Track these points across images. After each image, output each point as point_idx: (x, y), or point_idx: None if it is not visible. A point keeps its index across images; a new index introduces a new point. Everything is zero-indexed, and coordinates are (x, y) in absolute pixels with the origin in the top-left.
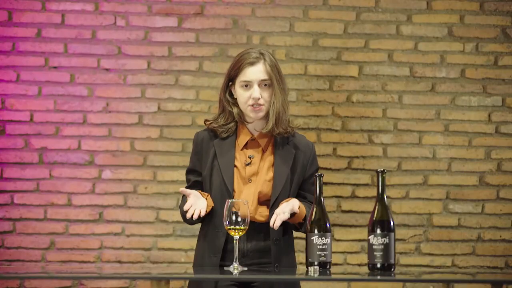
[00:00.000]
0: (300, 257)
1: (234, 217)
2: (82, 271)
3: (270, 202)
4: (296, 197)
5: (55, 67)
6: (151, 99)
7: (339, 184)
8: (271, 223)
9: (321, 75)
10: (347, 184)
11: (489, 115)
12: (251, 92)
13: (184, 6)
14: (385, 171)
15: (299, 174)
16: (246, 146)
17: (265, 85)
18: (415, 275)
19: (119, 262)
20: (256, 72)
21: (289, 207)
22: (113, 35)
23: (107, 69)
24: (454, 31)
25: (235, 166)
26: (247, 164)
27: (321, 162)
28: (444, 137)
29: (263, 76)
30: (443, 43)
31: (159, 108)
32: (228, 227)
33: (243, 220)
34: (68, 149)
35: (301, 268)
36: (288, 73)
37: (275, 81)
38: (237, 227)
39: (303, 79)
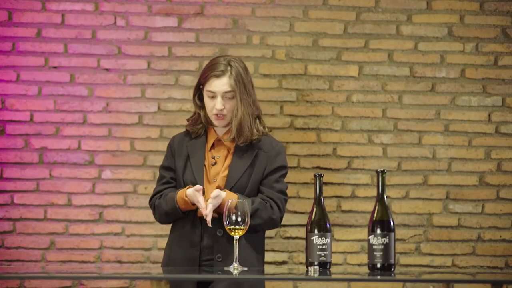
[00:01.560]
0: (300, 257)
1: (234, 217)
2: (82, 271)
3: None
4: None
5: (55, 67)
6: (151, 99)
7: (339, 184)
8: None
9: (321, 75)
10: (347, 184)
11: (489, 115)
12: (215, 102)
13: (184, 6)
14: (385, 171)
15: (259, 171)
16: (213, 146)
17: (229, 96)
18: (415, 275)
19: (119, 262)
20: (219, 85)
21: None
22: (113, 35)
23: (107, 69)
24: (454, 31)
25: (204, 166)
26: (213, 164)
27: (321, 162)
28: (444, 137)
29: (226, 88)
30: (443, 43)
31: (159, 108)
32: (228, 227)
33: (243, 220)
34: (68, 149)
35: (300, 268)
36: (288, 73)
37: (238, 93)
38: (237, 227)
39: (303, 79)
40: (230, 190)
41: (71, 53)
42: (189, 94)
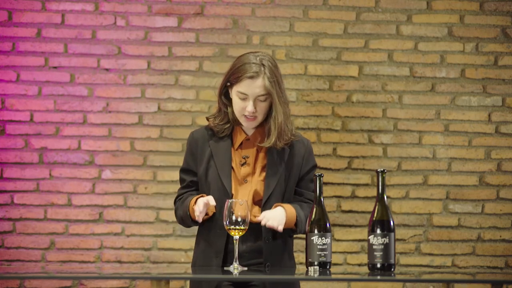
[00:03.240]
0: (300, 257)
1: (234, 217)
2: (82, 271)
3: (262, 202)
4: (294, 195)
5: (55, 67)
6: (151, 99)
7: (339, 184)
8: (263, 222)
9: (321, 75)
10: (347, 184)
11: (489, 115)
12: (247, 104)
13: (184, 6)
14: (385, 171)
15: (295, 172)
16: (241, 146)
17: (262, 99)
18: (415, 275)
19: (119, 262)
20: (254, 87)
21: (281, 222)
22: (113, 35)
23: (107, 69)
24: (454, 31)
25: (231, 167)
26: (242, 165)
27: (321, 162)
28: (444, 137)
29: (261, 91)
30: (443, 43)
31: (159, 108)
32: (228, 227)
33: (243, 220)
34: (68, 149)
35: (301, 268)
36: (288, 73)
37: (275, 95)
38: (237, 227)
39: (303, 79)
40: (269, 195)
41: (71, 53)
42: (189, 94)
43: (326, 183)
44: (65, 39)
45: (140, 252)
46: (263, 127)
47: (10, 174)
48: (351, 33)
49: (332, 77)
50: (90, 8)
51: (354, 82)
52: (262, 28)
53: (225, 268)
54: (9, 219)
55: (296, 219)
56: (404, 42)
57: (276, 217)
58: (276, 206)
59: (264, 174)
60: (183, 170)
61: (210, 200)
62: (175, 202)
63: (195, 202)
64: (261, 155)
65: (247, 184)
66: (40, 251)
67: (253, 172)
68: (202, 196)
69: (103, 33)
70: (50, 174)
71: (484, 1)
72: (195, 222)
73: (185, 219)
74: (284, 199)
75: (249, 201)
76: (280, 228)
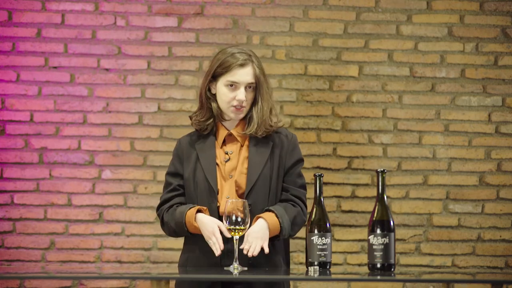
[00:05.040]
0: (300, 257)
1: (234, 217)
2: (82, 271)
3: (245, 194)
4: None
5: (55, 67)
6: (151, 99)
7: (339, 184)
8: (245, 251)
9: (321, 75)
10: (347, 184)
11: (489, 115)
12: (237, 93)
13: (184, 6)
14: (385, 171)
15: (278, 166)
16: (224, 142)
17: (250, 87)
18: (415, 275)
19: (119, 262)
20: (245, 74)
21: (264, 237)
22: (113, 35)
23: (107, 69)
24: (454, 31)
25: (216, 164)
26: (226, 161)
27: (321, 162)
28: (444, 137)
29: (251, 79)
30: (443, 43)
31: (159, 108)
32: (228, 227)
33: (243, 220)
34: (68, 149)
35: (301, 268)
36: (288, 73)
37: (263, 83)
38: (237, 227)
39: (303, 79)
40: (252, 186)
41: (71, 53)
42: (189, 94)
43: (326, 183)
44: (65, 39)
45: (140, 252)
46: (244, 120)
47: (10, 174)
48: (351, 33)
49: (332, 77)
50: (90, 8)
51: (354, 82)
52: (262, 28)
53: (225, 268)
54: (9, 219)
55: (280, 226)
56: (404, 42)
57: (258, 236)
58: (257, 219)
59: (245, 166)
60: (170, 174)
61: (222, 228)
62: (160, 208)
63: (194, 216)
64: (244, 149)
65: (232, 179)
66: (40, 251)
67: (237, 167)
68: (200, 211)
69: (103, 33)
70: (50, 174)
71: (484, 1)
72: (190, 233)
73: (180, 232)
74: (270, 191)
75: (233, 195)
76: (266, 248)
